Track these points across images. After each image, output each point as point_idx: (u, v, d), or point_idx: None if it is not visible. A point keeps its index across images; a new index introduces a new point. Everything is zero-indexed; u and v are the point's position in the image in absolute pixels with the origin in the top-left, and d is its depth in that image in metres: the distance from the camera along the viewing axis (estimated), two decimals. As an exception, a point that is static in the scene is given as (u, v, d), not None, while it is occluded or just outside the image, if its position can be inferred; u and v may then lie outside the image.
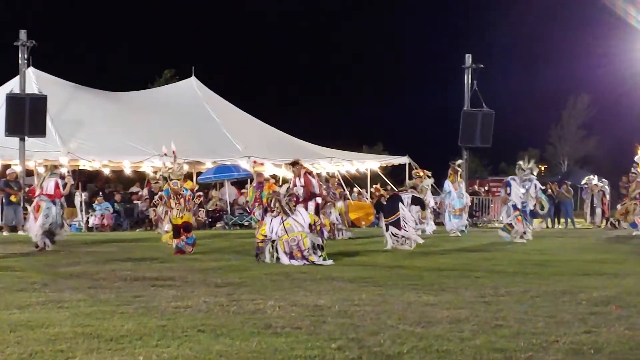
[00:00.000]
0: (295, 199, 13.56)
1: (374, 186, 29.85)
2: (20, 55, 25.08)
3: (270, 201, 13.23)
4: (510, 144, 57.97)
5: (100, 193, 27.09)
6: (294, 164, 16.05)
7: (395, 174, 34.24)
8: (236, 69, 75.14)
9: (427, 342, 5.77)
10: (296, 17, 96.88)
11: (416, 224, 16.77)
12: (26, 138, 24.54)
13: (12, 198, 22.49)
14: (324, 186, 18.54)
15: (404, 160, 30.91)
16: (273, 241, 12.63)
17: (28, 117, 24.23)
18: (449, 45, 77.85)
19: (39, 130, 24.57)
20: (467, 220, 23.72)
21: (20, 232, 21.91)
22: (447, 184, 22.15)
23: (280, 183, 20.24)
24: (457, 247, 16.75)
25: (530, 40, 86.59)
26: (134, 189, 29.26)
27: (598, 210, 29.46)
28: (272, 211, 13.04)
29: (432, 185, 22.93)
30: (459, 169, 22.51)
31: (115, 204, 26.36)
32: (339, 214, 20.50)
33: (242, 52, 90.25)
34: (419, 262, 12.94)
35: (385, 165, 33.11)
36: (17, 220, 22.76)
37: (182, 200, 14.80)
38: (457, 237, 20.62)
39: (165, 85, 40.27)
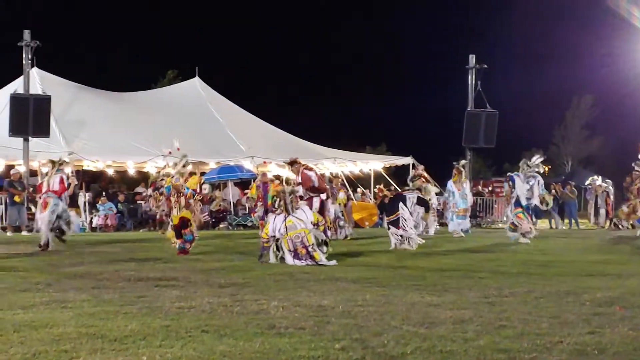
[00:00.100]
0: (299, 197, 13.55)
1: (378, 187, 29.84)
2: (24, 56, 25.11)
3: (275, 199, 13.24)
4: (514, 144, 58.00)
5: (104, 193, 27.11)
6: (292, 163, 16.05)
7: (399, 174, 34.19)
8: (236, 69, 75.33)
9: (431, 342, 5.76)
10: (296, 17, 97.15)
11: (416, 225, 16.65)
12: (30, 138, 24.57)
13: (16, 198, 22.50)
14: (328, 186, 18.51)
15: (408, 160, 30.88)
16: (277, 240, 12.63)
17: (32, 118, 24.26)
18: (452, 45, 77.88)
19: (42, 130, 24.60)
20: (470, 220, 23.68)
21: (24, 233, 21.95)
22: (450, 184, 22.12)
23: (284, 183, 20.21)
24: (461, 248, 16.73)
25: (534, 41, 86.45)
26: (139, 189, 29.26)
27: (602, 211, 29.43)
28: (276, 210, 13.05)
29: (435, 185, 22.94)
30: (462, 169, 22.47)
31: (119, 204, 26.38)
32: (340, 206, 20.48)
33: (242, 52, 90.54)
34: (422, 262, 12.93)
35: (388, 166, 33.08)
36: (21, 221, 22.78)
37: (182, 198, 14.74)
38: (461, 238, 20.60)
39: (168, 85, 40.30)
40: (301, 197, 14.00)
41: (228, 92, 34.73)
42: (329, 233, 13.78)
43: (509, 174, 19.68)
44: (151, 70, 54.08)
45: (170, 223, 15.49)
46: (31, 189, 23.23)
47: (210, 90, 33.60)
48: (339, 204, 20.54)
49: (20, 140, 24.59)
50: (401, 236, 15.83)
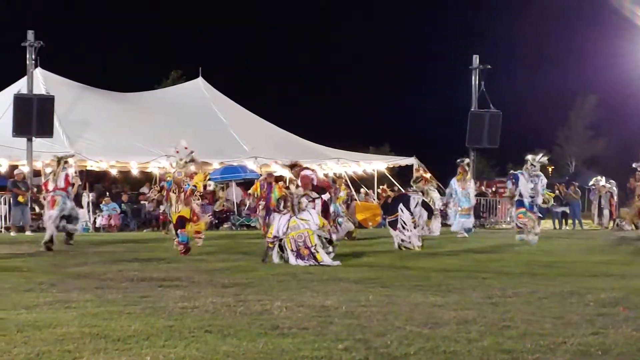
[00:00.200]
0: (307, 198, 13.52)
1: (381, 187, 29.73)
2: (27, 56, 25.14)
3: (280, 201, 13.25)
4: (518, 144, 57.64)
5: (107, 193, 27.13)
6: (293, 166, 16.06)
7: (402, 174, 34.20)
8: (236, 69, 75.27)
9: (434, 343, 5.76)
10: (296, 17, 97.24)
11: (417, 226, 16.56)
12: (33, 138, 24.60)
13: (20, 198, 22.53)
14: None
15: (411, 161, 30.87)
16: (280, 240, 12.64)
17: (35, 118, 24.29)
18: (455, 45, 77.74)
19: (46, 130, 24.63)
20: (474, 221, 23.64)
21: (27, 233, 21.98)
22: (453, 182, 22.00)
23: (288, 183, 20.21)
24: (464, 248, 16.72)
25: (538, 41, 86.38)
26: (144, 189, 29.29)
27: (606, 212, 29.40)
28: (282, 211, 13.05)
29: (437, 184, 22.91)
30: (467, 167, 22.40)
31: (123, 205, 26.40)
32: (342, 205, 20.46)
33: (242, 52, 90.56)
34: (425, 263, 12.93)
35: (392, 166, 33.08)
36: (25, 221, 22.81)
37: (182, 194, 14.71)
38: (464, 238, 20.59)
39: (172, 85, 40.33)
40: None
41: (228, 92, 34.79)
42: (334, 236, 13.76)
43: (512, 172, 19.59)
44: (151, 71, 54.19)
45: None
46: (35, 189, 23.26)
47: (214, 90, 33.61)
48: (340, 203, 20.49)
49: (23, 140, 24.61)
50: (402, 239, 15.86)
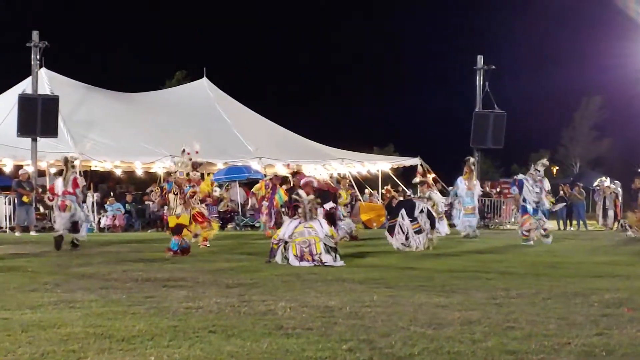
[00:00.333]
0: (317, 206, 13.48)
1: (385, 187, 29.82)
2: (32, 56, 25.18)
3: (286, 204, 13.23)
4: (522, 145, 57.96)
5: (112, 194, 27.15)
6: (295, 174, 16.05)
7: (407, 175, 34.19)
8: (237, 69, 75.36)
9: (438, 343, 5.76)
10: (296, 17, 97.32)
11: (420, 231, 16.47)
12: (38, 139, 24.63)
13: (25, 199, 22.54)
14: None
15: (416, 161, 30.82)
16: (286, 243, 12.64)
17: (40, 118, 24.32)
18: (457, 45, 77.90)
19: (50, 130, 24.66)
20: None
21: (32, 233, 22.01)
22: (460, 180, 21.93)
23: (292, 184, 20.22)
24: (468, 249, 16.72)
25: (542, 41, 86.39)
26: (150, 189, 29.27)
27: (610, 213, 29.36)
28: (293, 214, 13.04)
29: (442, 185, 22.86)
30: (473, 167, 22.36)
31: (127, 205, 26.41)
32: (346, 207, 20.46)
33: (242, 52, 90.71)
34: (429, 263, 12.92)
35: (396, 167, 33.08)
36: (29, 221, 22.83)
37: (182, 196, 14.58)
38: (468, 237, 20.62)
39: (177, 86, 40.36)
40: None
41: (228, 93, 34.75)
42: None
43: (515, 177, 19.65)
44: (151, 71, 54.25)
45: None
46: (39, 190, 23.28)
47: (218, 90, 33.65)
48: (342, 205, 20.48)
49: (28, 140, 24.65)
50: (402, 243, 15.87)
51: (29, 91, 25.48)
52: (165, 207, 15.76)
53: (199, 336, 6.00)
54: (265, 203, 19.91)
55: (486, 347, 5.65)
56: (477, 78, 30.58)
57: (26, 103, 24.62)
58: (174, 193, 14.63)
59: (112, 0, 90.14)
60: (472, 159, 22.79)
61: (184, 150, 15.30)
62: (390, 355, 5.41)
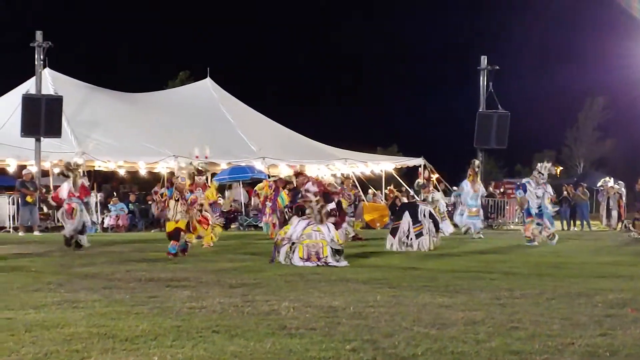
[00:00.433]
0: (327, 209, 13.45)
1: (389, 187, 29.81)
2: (36, 57, 25.22)
3: (290, 207, 13.19)
4: (526, 145, 57.93)
5: (115, 194, 27.17)
6: (298, 175, 16.05)
7: (410, 175, 34.18)
8: (237, 69, 75.44)
9: (442, 344, 5.75)
10: (296, 17, 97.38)
11: (421, 234, 16.45)
12: (42, 139, 24.66)
13: (28, 199, 22.59)
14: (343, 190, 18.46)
15: (419, 161, 30.80)
16: (293, 243, 12.63)
17: (44, 118, 24.34)
18: (457, 46, 77.86)
19: (54, 130, 24.68)
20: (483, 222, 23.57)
21: (35, 233, 22.05)
22: (465, 183, 21.90)
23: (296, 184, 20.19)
24: (472, 249, 16.71)
25: (546, 42, 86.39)
26: (156, 190, 29.25)
27: (614, 213, 29.28)
28: (303, 214, 13.02)
29: (445, 185, 22.83)
30: (477, 169, 22.33)
31: (130, 205, 26.43)
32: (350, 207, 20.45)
33: (242, 52, 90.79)
34: (433, 263, 12.91)
35: (400, 167, 33.06)
36: (33, 221, 22.87)
37: (183, 202, 14.43)
38: (469, 235, 20.63)
39: (180, 86, 40.39)
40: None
41: (229, 92, 34.72)
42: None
43: (518, 182, 19.68)
44: (152, 71, 54.30)
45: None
46: (43, 190, 23.30)
47: (222, 91, 33.64)
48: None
49: (32, 140, 24.67)
50: (404, 243, 15.89)
51: (33, 91, 25.51)
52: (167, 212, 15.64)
53: (202, 336, 6.00)
54: (268, 204, 19.89)
55: (490, 348, 5.65)
56: (481, 78, 30.56)
57: (30, 103, 24.64)
58: (174, 199, 14.43)
59: (113, 0, 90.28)
60: (477, 162, 22.79)
61: (197, 157, 15.18)
62: (393, 356, 5.41)
